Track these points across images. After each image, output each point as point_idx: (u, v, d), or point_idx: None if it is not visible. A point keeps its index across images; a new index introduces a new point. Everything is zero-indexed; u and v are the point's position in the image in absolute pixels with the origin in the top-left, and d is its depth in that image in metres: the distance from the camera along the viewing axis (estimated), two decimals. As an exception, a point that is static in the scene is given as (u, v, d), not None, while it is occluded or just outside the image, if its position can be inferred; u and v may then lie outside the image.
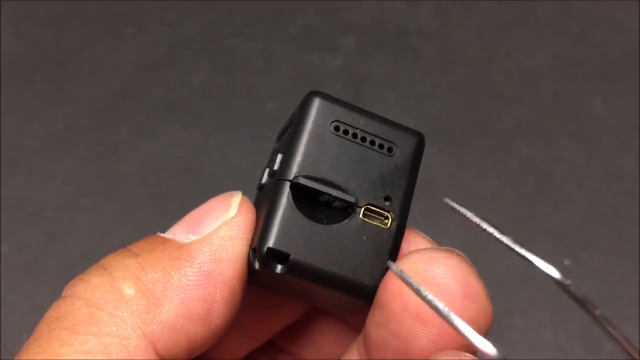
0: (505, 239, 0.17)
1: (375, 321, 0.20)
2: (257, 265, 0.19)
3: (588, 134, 0.62)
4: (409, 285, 0.18)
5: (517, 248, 0.16)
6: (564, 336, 0.53)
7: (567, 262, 0.56)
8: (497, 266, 0.56)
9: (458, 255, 0.19)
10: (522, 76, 0.65)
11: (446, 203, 0.19)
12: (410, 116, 0.63)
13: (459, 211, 0.18)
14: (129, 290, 0.19)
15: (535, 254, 0.16)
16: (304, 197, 0.20)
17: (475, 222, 0.18)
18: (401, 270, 0.18)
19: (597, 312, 0.15)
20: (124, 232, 0.57)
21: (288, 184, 0.19)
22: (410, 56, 0.66)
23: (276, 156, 0.20)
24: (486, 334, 0.19)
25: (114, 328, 0.18)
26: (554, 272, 0.15)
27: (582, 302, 0.15)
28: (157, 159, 0.61)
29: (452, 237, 0.57)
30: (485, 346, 0.15)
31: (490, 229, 0.17)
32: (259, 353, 0.26)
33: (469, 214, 0.18)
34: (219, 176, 0.59)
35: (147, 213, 0.57)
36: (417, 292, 0.17)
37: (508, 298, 0.55)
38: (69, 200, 0.59)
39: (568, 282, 0.15)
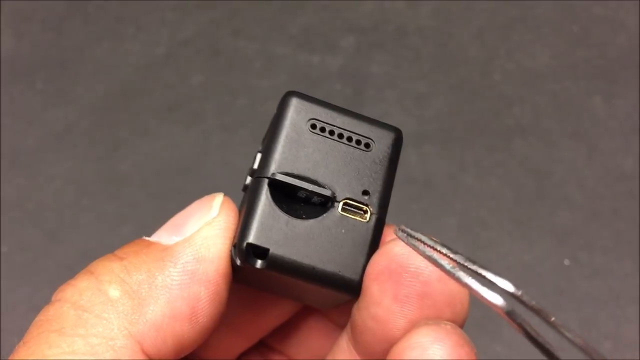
0: (458, 258, 0.17)
1: (358, 307, 0.20)
2: (238, 262, 0.20)
3: (588, 134, 0.62)
4: (412, 246, 0.18)
5: (470, 265, 0.17)
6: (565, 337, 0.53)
7: (567, 262, 0.56)
8: (496, 266, 0.56)
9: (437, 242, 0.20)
10: (522, 76, 0.65)
11: (399, 230, 0.19)
12: (410, 116, 0.63)
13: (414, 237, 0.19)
14: (114, 292, 0.19)
15: (484, 276, 0.16)
16: (283, 194, 0.20)
17: (429, 246, 0.18)
18: (404, 234, 0.19)
19: (553, 319, 0.16)
20: (124, 232, 0.57)
21: (266, 180, 0.20)
22: (410, 56, 0.66)
23: (256, 156, 0.21)
24: (464, 319, 0.20)
25: (100, 329, 0.18)
26: (508, 287, 0.16)
27: (537, 312, 0.16)
28: (157, 159, 0.61)
29: (452, 237, 0.57)
30: (494, 298, 0.15)
31: (444, 249, 0.17)
32: (251, 353, 0.26)
33: (424, 238, 0.18)
34: (219, 176, 0.59)
35: (147, 213, 0.57)
36: (422, 253, 0.18)
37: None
38: (69, 200, 0.59)
39: (519, 292, 0.16)
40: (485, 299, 0.16)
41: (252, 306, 0.24)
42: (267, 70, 0.65)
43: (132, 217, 0.58)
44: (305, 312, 0.25)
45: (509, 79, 0.65)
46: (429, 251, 0.18)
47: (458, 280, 0.16)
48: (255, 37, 0.67)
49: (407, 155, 0.61)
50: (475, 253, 0.56)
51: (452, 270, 0.17)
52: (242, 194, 0.23)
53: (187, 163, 0.61)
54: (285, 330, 0.25)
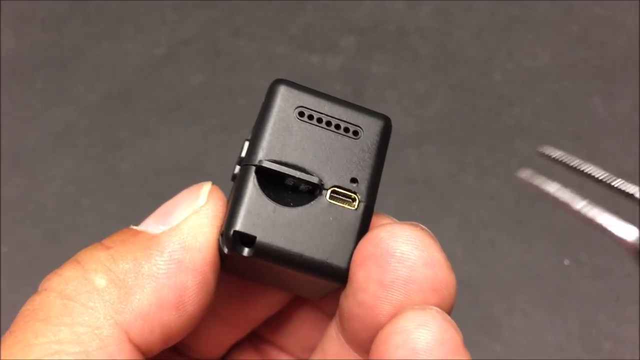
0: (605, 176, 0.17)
1: (345, 294, 0.20)
2: (225, 250, 0.19)
3: (588, 134, 0.62)
4: (535, 183, 0.18)
5: (617, 182, 0.16)
6: (564, 336, 0.53)
7: (567, 262, 0.56)
8: (497, 266, 0.56)
9: (422, 228, 0.20)
10: (522, 76, 0.65)
11: (541, 152, 0.19)
12: (410, 116, 0.63)
13: (554, 158, 0.18)
14: (100, 281, 0.19)
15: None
16: (271, 182, 0.20)
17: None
18: (529, 174, 0.18)
19: None
20: (124, 232, 0.57)
21: (253, 168, 0.20)
22: (410, 56, 0.66)
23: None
24: (451, 305, 0.19)
25: (86, 318, 0.18)
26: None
27: None
28: (157, 159, 0.61)
29: (452, 237, 0.57)
30: (625, 230, 0.15)
31: (589, 168, 0.17)
32: (243, 344, 0.26)
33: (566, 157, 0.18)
34: (219, 176, 0.59)
35: (147, 213, 0.57)
36: (543, 188, 0.17)
37: (508, 298, 0.55)
38: (69, 200, 0.59)
39: None
40: (617, 237, 0.15)
41: (242, 297, 0.24)
42: (267, 70, 0.65)
43: (132, 217, 0.57)
44: (296, 303, 0.25)
45: (509, 79, 0.65)
46: (559, 192, 0.17)
47: (589, 221, 0.16)
48: (255, 37, 0.67)
49: (407, 155, 0.61)
50: (475, 253, 0.57)
51: (583, 208, 0.16)
52: None
53: (187, 163, 0.61)
54: (277, 321, 0.25)
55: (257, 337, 0.26)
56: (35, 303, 0.19)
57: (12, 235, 0.57)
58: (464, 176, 0.60)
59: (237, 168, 0.22)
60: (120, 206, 0.59)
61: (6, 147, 0.61)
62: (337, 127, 0.21)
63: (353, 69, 0.66)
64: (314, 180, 0.20)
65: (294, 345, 0.25)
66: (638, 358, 0.52)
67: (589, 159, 0.62)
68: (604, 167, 0.63)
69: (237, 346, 0.26)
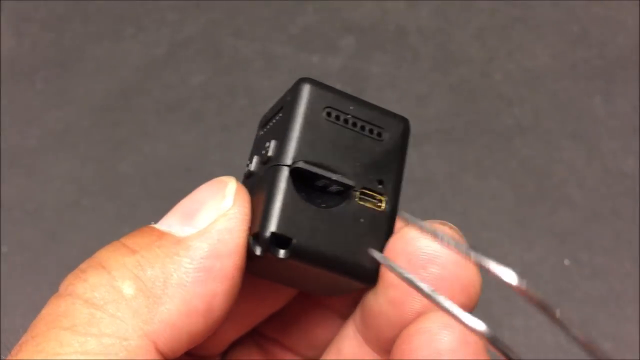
0: (461, 247, 0.17)
1: (374, 292, 0.20)
2: (258, 252, 0.19)
3: (588, 134, 0.62)
4: (392, 269, 0.18)
5: (472, 254, 0.17)
6: (564, 336, 0.53)
7: (567, 262, 0.56)
8: (497, 266, 0.56)
9: (451, 227, 0.20)
10: (522, 76, 0.65)
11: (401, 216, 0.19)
12: (410, 116, 0.63)
13: (414, 222, 0.19)
14: (128, 289, 0.18)
15: (489, 258, 0.16)
16: (301, 182, 0.19)
17: (430, 234, 0.18)
18: (385, 257, 0.19)
19: (557, 313, 0.16)
20: (124, 232, 0.57)
21: (286, 169, 0.19)
22: (410, 56, 0.66)
23: (267, 143, 0.20)
24: (475, 304, 0.20)
25: (114, 329, 0.18)
26: (511, 278, 0.16)
27: (541, 306, 0.16)
28: (157, 159, 0.61)
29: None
30: (474, 323, 0.15)
31: (446, 238, 0.18)
32: (246, 341, 0.26)
33: (426, 224, 0.18)
34: (218, 176, 0.59)
35: (147, 213, 0.57)
36: (400, 275, 0.18)
37: (508, 298, 0.55)
38: (69, 200, 0.59)
39: (524, 287, 0.16)
40: (467, 326, 0.16)
41: (248, 294, 0.24)
42: (267, 70, 0.65)
43: (132, 217, 0.58)
44: (300, 300, 0.25)
45: (509, 79, 0.65)
46: (408, 274, 0.18)
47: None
48: (255, 37, 0.67)
49: (408, 155, 0.61)
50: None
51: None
52: None
53: (187, 163, 0.61)
54: (281, 318, 0.25)
55: (260, 335, 0.26)
56: (60, 309, 0.18)
57: (12, 235, 0.57)
58: (464, 176, 0.60)
59: (255, 165, 0.21)
60: (120, 206, 0.59)
61: (6, 147, 0.61)
62: (362, 128, 0.20)
63: (353, 69, 0.65)
64: (350, 183, 0.19)
65: (298, 343, 0.25)
66: (638, 358, 0.52)
67: (589, 158, 0.62)
68: (604, 167, 0.63)
69: (240, 344, 0.25)
